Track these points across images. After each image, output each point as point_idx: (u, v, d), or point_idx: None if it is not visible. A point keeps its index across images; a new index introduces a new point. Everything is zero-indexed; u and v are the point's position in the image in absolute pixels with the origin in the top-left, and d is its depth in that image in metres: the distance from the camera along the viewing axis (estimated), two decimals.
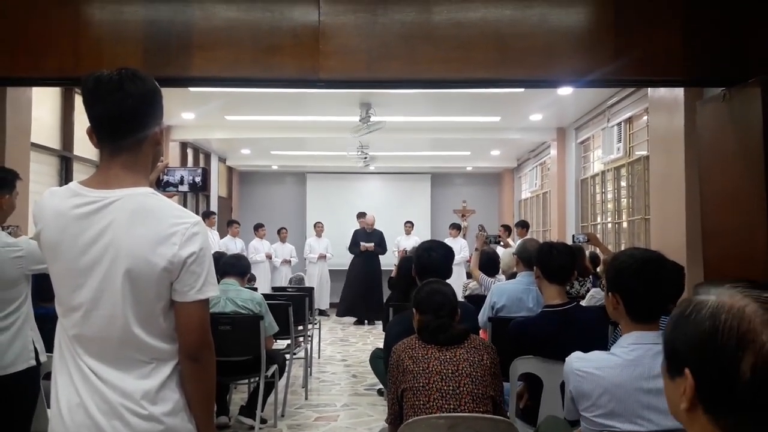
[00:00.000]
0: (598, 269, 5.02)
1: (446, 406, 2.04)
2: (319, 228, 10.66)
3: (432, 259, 2.94)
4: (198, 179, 1.68)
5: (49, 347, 2.97)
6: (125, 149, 1.44)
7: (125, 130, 1.42)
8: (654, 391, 1.67)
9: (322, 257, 10.49)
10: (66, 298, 1.41)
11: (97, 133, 1.44)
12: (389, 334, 2.74)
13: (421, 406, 2.06)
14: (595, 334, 2.65)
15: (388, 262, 9.78)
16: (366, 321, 9.67)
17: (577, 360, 1.78)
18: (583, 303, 3.95)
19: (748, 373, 0.78)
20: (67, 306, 1.41)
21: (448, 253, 3.04)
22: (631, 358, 1.71)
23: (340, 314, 9.86)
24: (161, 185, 1.62)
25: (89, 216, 1.39)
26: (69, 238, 1.39)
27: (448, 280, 2.57)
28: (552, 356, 2.58)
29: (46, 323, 3.29)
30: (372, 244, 9.72)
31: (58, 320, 1.45)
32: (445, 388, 2.06)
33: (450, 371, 2.09)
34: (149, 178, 1.51)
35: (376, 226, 10.05)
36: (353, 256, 9.92)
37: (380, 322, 8.04)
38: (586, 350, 1.83)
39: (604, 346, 1.87)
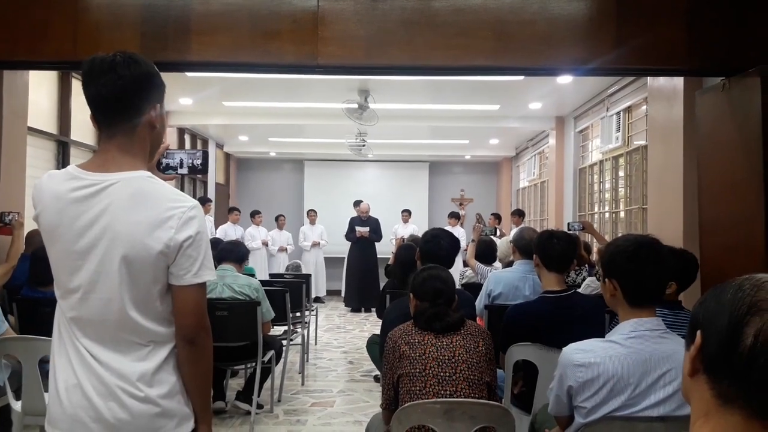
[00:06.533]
0: (593, 258, 5.04)
1: (442, 391, 2.05)
2: (312, 215, 10.68)
3: (440, 246, 2.95)
4: (198, 162, 1.66)
5: (45, 331, 2.98)
6: (120, 131, 1.44)
7: (117, 111, 1.42)
8: (656, 377, 1.68)
9: (316, 245, 10.51)
10: (64, 280, 1.42)
11: (93, 114, 1.45)
12: (387, 320, 2.75)
13: (417, 392, 2.07)
14: (593, 321, 2.66)
15: (386, 250, 9.81)
16: (363, 308, 9.71)
17: (576, 352, 1.76)
18: None
19: (750, 338, 0.79)
20: (65, 288, 1.42)
21: (455, 243, 3.07)
22: (631, 345, 1.71)
23: (350, 306, 9.89)
24: (161, 168, 1.62)
25: (87, 199, 1.39)
26: (67, 221, 1.39)
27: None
28: (549, 343, 2.59)
29: (42, 307, 3.31)
30: (367, 229, 9.75)
31: (57, 302, 1.46)
32: (442, 373, 2.07)
33: (446, 357, 2.09)
34: (150, 162, 1.51)
35: (375, 214, 10.08)
36: (350, 245, 9.96)
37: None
38: (583, 338, 1.82)
39: (602, 334, 1.87)
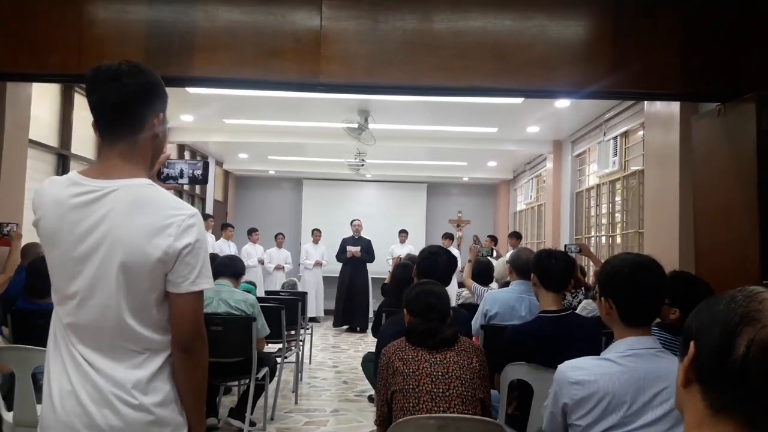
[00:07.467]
0: (589, 281, 5.04)
1: (436, 408, 2.04)
2: (317, 235, 10.70)
3: (437, 263, 2.96)
4: (198, 172, 1.68)
5: (40, 343, 2.96)
6: (122, 139, 1.45)
7: (120, 119, 1.44)
8: (651, 396, 1.67)
9: (319, 264, 10.51)
10: (62, 286, 1.42)
11: (96, 122, 1.46)
12: (383, 336, 2.75)
13: (410, 408, 2.06)
14: (590, 342, 2.65)
15: (380, 269, 9.80)
16: (358, 328, 9.69)
17: (571, 369, 1.75)
18: None
19: (742, 348, 0.79)
20: (63, 294, 1.42)
21: (452, 261, 3.08)
22: (626, 363, 1.71)
23: (337, 324, 9.89)
24: (161, 177, 1.63)
25: (87, 205, 1.40)
26: (67, 227, 1.40)
27: None
28: (545, 363, 2.59)
29: (39, 319, 3.30)
30: (358, 249, 9.77)
31: (54, 309, 1.46)
32: (435, 390, 2.07)
33: (440, 373, 2.09)
34: (150, 171, 1.53)
35: (372, 234, 10.10)
36: (342, 264, 9.98)
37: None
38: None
39: (598, 354, 1.86)
